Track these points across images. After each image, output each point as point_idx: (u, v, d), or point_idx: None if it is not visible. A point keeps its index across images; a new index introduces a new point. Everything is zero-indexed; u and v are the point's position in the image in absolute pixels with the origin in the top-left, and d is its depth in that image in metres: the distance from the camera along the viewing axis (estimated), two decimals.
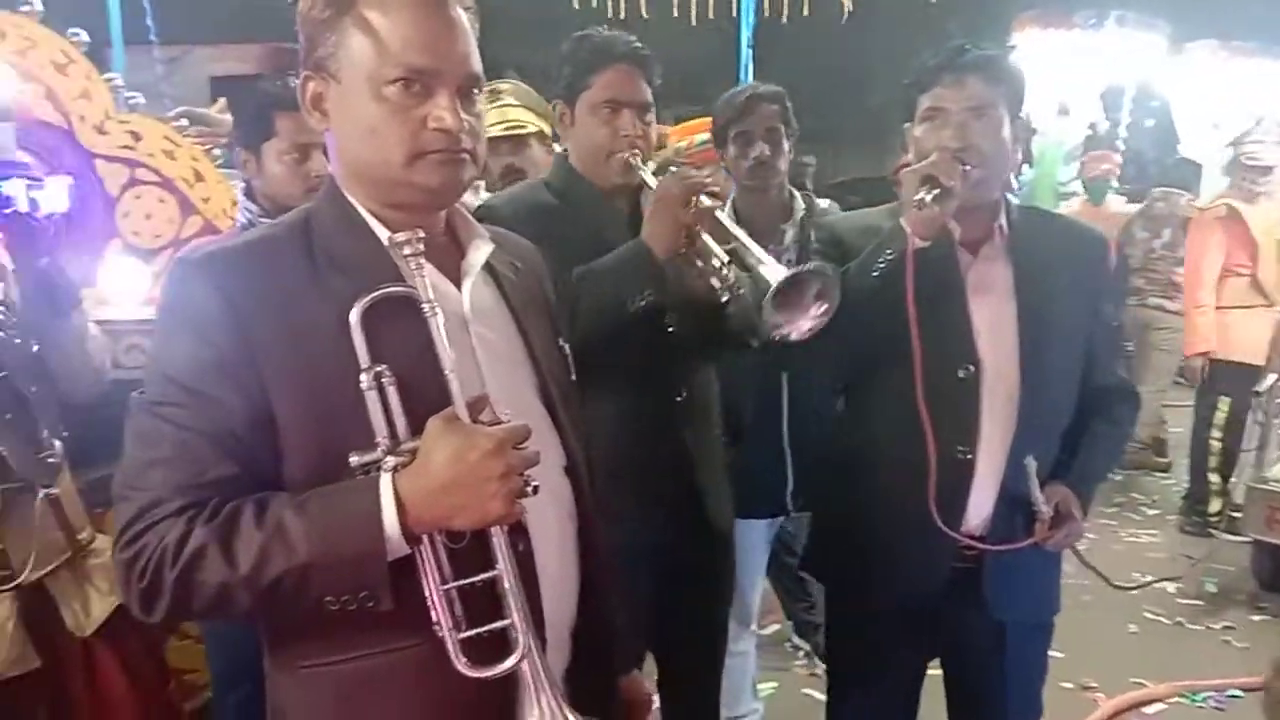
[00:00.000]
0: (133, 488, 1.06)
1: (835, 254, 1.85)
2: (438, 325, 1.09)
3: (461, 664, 1.05)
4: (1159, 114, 8.13)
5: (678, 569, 2.01)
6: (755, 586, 2.87)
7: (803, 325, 1.69)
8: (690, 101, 4.61)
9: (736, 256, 1.81)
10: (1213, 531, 4.81)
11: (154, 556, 1.03)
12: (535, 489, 1.08)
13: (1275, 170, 4.82)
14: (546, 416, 1.25)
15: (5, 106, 2.18)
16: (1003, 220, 1.83)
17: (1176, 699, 3.29)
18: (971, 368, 1.78)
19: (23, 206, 1.80)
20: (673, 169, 2.34)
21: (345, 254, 1.15)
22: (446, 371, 1.08)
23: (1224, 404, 4.80)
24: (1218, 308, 4.82)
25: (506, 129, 3.43)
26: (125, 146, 2.84)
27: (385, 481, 1.04)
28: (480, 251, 1.23)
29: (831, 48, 8.04)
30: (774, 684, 3.34)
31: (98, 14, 4.70)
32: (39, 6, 2.75)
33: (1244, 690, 3.29)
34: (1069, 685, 3.27)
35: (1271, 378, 4.22)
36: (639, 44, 2.00)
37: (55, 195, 1.86)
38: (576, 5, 5.70)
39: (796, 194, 2.67)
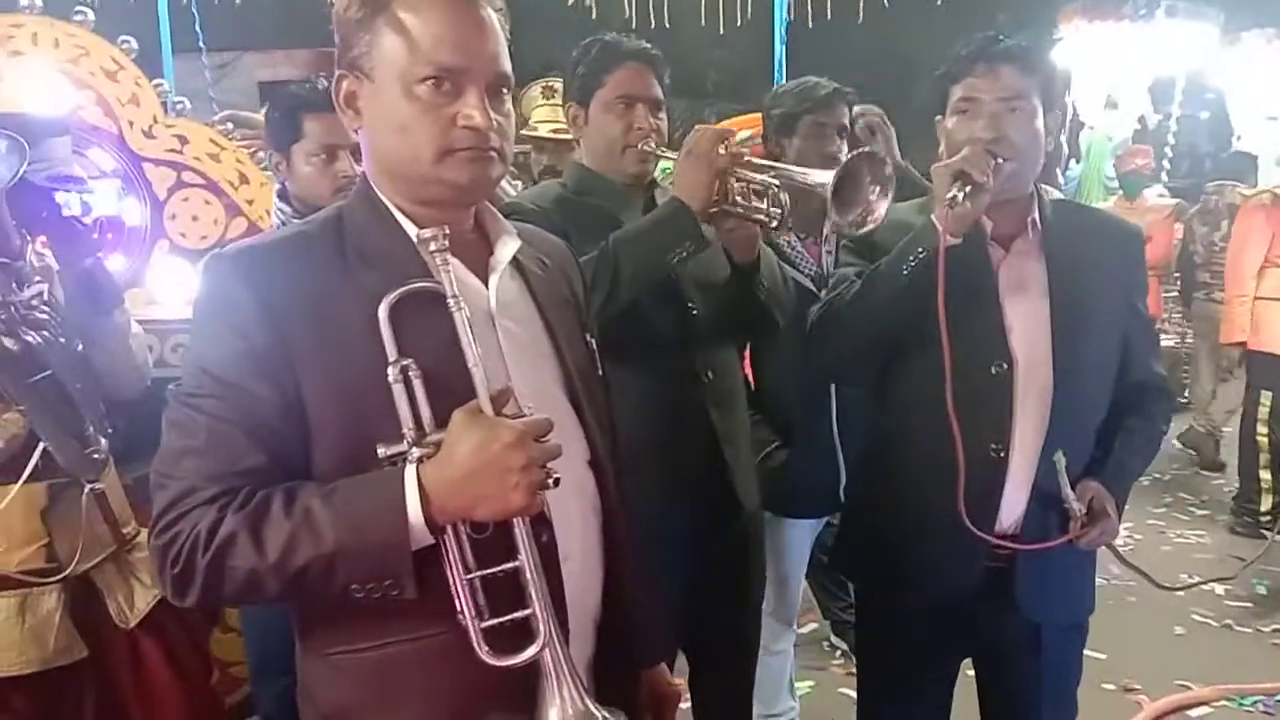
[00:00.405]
0: (168, 476, 1.09)
1: (866, 249, 1.85)
2: (463, 320, 1.10)
3: (484, 652, 1.07)
4: (1213, 106, 7.96)
5: (706, 558, 2.01)
6: (799, 585, 2.86)
7: (878, 210, 1.68)
8: (731, 100, 4.61)
9: (782, 180, 1.77)
10: (1265, 532, 4.70)
11: (187, 543, 1.06)
12: (557, 481, 1.09)
13: None
14: (571, 411, 1.27)
15: (62, 120, 2.24)
16: (1036, 214, 1.81)
17: (1223, 702, 3.21)
18: (1004, 365, 1.75)
19: (76, 211, 1.86)
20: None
21: (375, 250, 1.17)
22: (471, 365, 1.09)
23: (1266, 398, 4.70)
24: (1259, 298, 4.70)
25: (553, 130, 3.44)
26: (172, 150, 2.91)
27: (410, 472, 1.06)
28: (507, 247, 1.25)
29: (875, 45, 7.99)
30: (811, 683, 3.33)
31: (150, 24, 4.83)
32: (91, 16, 2.83)
33: None
34: (1111, 687, 3.23)
35: None
36: (648, 44, 2.04)
37: (104, 199, 1.92)
38: (594, 16, 5.73)
39: None
